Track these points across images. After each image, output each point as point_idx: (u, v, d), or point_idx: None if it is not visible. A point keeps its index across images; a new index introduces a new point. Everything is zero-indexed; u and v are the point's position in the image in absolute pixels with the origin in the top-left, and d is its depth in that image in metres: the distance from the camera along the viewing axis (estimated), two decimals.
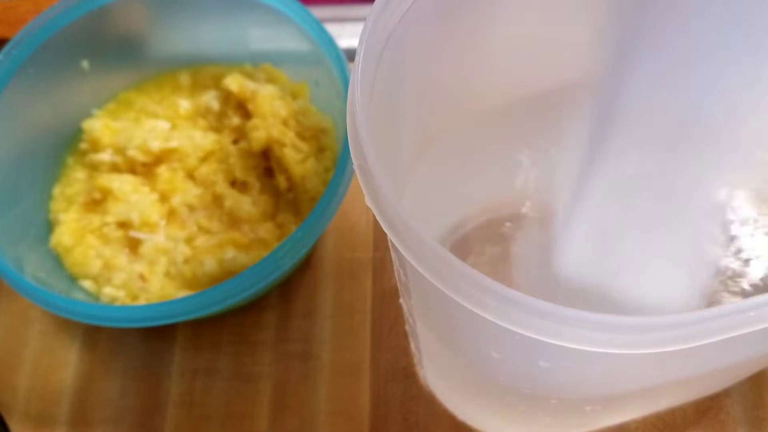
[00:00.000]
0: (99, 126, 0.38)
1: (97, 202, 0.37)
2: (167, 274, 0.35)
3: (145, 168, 0.37)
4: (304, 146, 0.37)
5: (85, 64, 0.39)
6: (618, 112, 0.19)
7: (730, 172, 0.21)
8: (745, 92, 0.18)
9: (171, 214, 0.37)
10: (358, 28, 0.19)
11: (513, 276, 0.25)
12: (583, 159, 0.22)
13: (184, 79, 0.40)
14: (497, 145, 0.27)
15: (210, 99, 0.39)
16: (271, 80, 0.40)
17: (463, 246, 0.26)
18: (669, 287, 0.23)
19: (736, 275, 0.24)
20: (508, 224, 0.26)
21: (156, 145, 0.37)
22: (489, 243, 0.26)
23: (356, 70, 0.18)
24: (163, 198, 0.37)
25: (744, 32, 0.17)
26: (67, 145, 0.39)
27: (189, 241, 0.36)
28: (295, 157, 0.36)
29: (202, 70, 0.41)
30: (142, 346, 0.37)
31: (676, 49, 0.18)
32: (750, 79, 0.18)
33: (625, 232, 0.22)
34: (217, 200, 0.37)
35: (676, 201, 0.21)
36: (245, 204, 0.36)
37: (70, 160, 0.39)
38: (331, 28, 0.36)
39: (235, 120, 0.38)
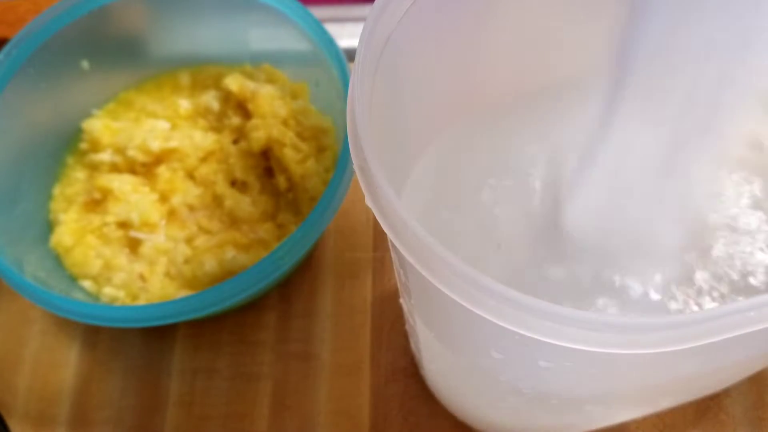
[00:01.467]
0: (99, 126, 0.38)
1: (97, 202, 0.37)
2: (167, 274, 0.35)
3: (145, 168, 0.37)
4: (304, 146, 0.37)
5: (85, 64, 0.39)
6: (623, 88, 0.20)
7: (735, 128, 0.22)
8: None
9: (171, 214, 0.37)
10: (358, 28, 0.19)
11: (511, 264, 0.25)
12: (589, 143, 0.22)
13: (184, 79, 0.40)
14: (498, 140, 0.27)
15: (210, 99, 0.39)
16: (271, 80, 0.40)
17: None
18: (671, 243, 0.24)
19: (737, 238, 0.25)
20: (509, 214, 0.26)
21: (156, 145, 0.37)
22: (491, 235, 0.26)
23: (356, 70, 0.18)
24: (163, 198, 0.37)
25: None
26: (67, 145, 0.39)
27: (189, 241, 0.36)
28: (295, 157, 0.36)
29: (202, 70, 0.41)
30: (142, 346, 0.37)
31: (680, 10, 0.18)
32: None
33: (631, 194, 0.23)
34: (217, 200, 0.37)
35: (681, 163, 0.22)
36: (245, 204, 0.36)
37: (70, 160, 0.39)
38: (331, 28, 0.36)
39: (235, 120, 0.38)
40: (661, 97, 0.20)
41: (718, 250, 0.24)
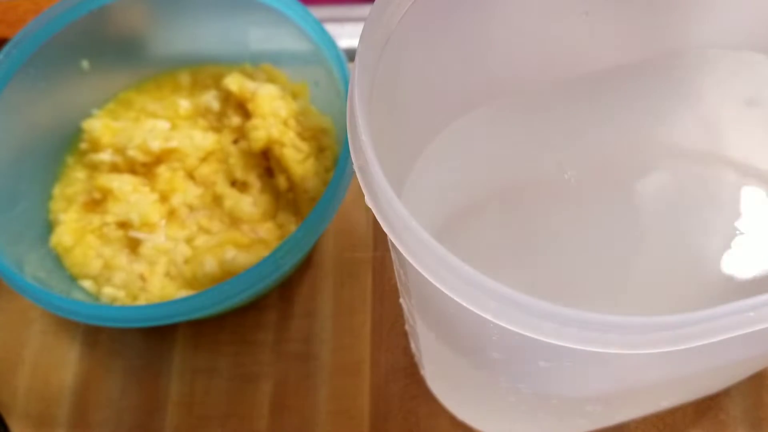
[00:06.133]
0: (99, 126, 0.38)
1: (97, 202, 0.37)
2: (167, 274, 0.35)
3: (145, 168, 0.37)
4: (304, 146, 0.37)
5: (85, 64, 0.39)
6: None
7: None
8: None
9: (171, 214, 0.37)
10: (358, 28, 0.19)
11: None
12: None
13: (184, 79, 0.40)
14: (498, 138, 0.27)
15: (210, 99, 0.39)
16: (271, 80, 0.40)
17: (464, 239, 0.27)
18: None
19: None
20: (511, 210, 0.26)
21: (156, 145, 0.37)
22: (492, 232, 0.26)
23: (356, 70, 0.18)
24: (163, 198, 0.37)
25: None
26: (67, 145, 0.39)
27: (189, 241, 0.36)
28: (295, 157, 0.36)
29: (202, 70, 0.41)
30: (142, 346, 0.37)
31: None
32: None
33: None
34: (217, 200, 0.37)
35: None
36: (245, 204, 0.36)
37: (70, 160, 0.39)
38: (331, 28, 0.36)
39: (235, 120, 0.38)
40: None
41: None
